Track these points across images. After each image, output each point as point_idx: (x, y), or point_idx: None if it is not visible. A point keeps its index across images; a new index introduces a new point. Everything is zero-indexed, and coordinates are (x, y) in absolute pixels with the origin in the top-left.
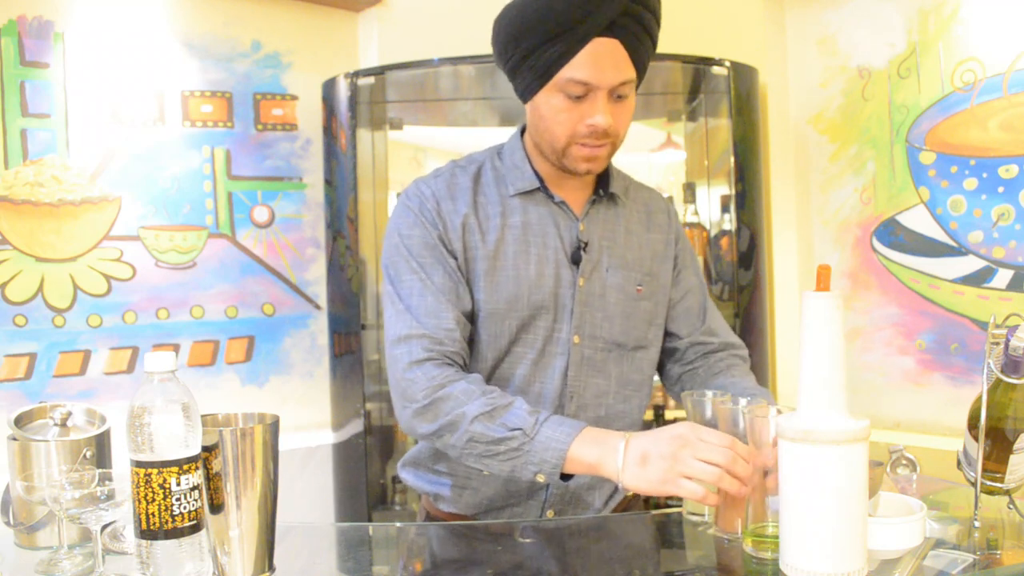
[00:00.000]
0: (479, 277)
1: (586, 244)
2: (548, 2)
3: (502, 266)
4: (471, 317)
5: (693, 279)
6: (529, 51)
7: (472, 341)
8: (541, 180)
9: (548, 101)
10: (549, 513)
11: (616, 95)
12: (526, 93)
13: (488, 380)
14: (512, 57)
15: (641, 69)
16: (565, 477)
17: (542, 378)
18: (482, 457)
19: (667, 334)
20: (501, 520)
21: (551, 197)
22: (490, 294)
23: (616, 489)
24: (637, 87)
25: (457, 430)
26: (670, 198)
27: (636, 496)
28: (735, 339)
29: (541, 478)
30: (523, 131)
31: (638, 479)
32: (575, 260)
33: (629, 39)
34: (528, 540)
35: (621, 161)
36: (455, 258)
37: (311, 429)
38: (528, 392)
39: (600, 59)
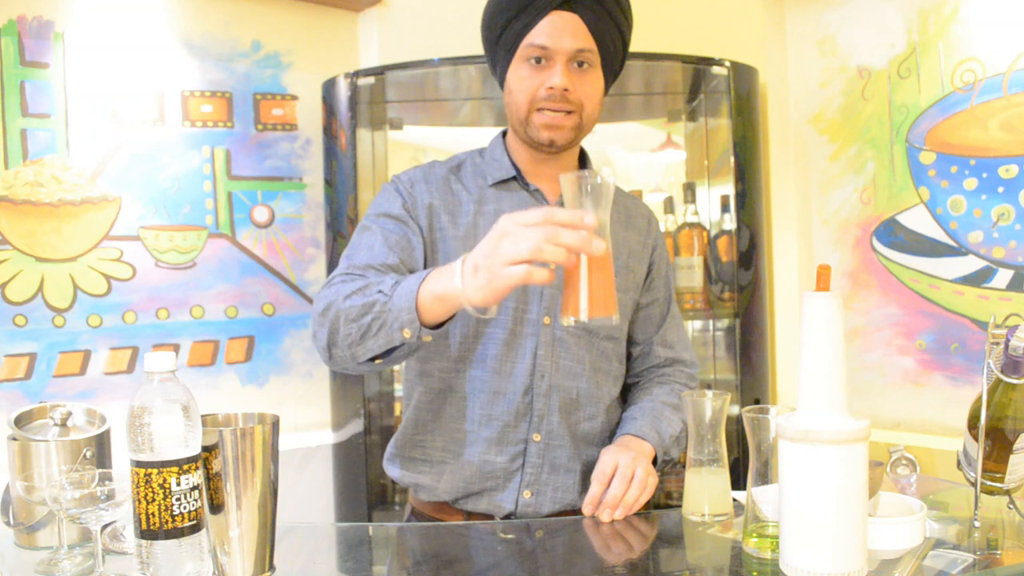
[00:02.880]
0: (448, 255)
1: None
2: None
3: (471, 247)
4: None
5: (663, 290)
6: (501, 30)
7: None
8: (518, 170)
9: (515, 73)
10: (526, 494)
11: (577, 62)
12: (503, 74)
13: (459, 359)
14: (490, 42)
15: (605, 46)
16: (436, 329)
17: (513, 357)
18: (362, 340)
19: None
20: (479, 507)
21: (526, 186)
22: None
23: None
24: (609, 72)
25: (339, 320)
26: (668, 198)
27: None
28: (687, 355)
29: (407, 333)
30: (505, 134)
31: (475, 288)
32: None
33: (587, 14)
34: (520, 540)
35: (623, 160)
36: (420, 229)
37: (311, 429)
38: (501, 371)
39: (557, 27)
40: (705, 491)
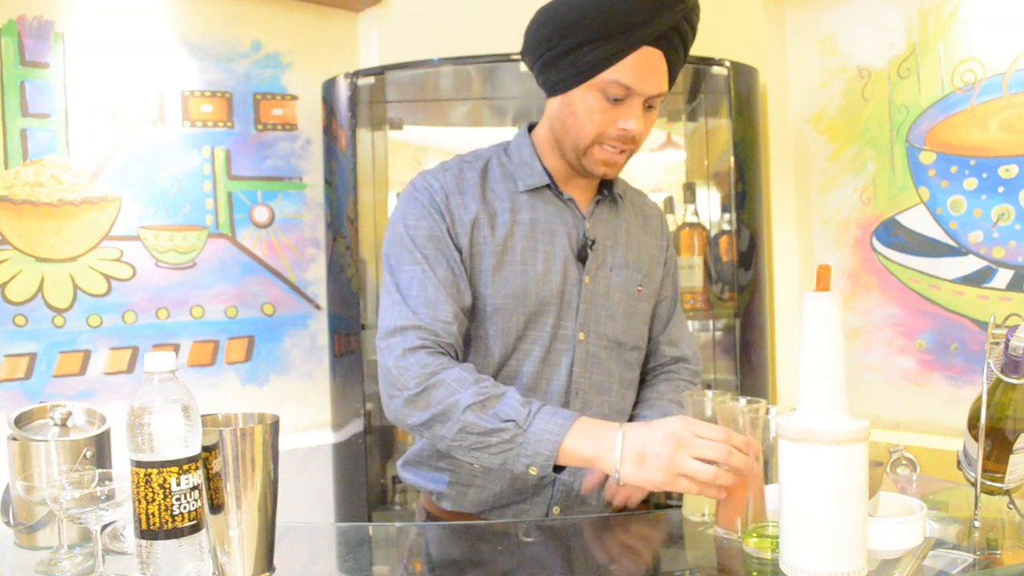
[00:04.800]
0: (486, 272)
1: (593, 242)
2: (609, 3)
3: (510, 261)
4: (471, 313)
5: (671, 289)
6: (576, 46)
7: (479, 337)
8: (550, 177)
9: (584, 98)
10: (555, 510)
11: (648, 105)
12: (559, 86)
13: (496, 376)
14: (554, 48)
15: (672, 82)
16: (558, 469)
17: (548, 375)
18: (472, 449)
19: None
20: (505, 518)
21: (559, 195)
22: (497, 288)
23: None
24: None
25: (448, 420)
26: (668, 198)
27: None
28: (690, 352)
29: (534, 471)
30: (530, 129)
31: (636, 478)
32: (581, 258)
33: (670, 52)
34: (527, 539)
35: None
36: (460, 252)
37: (311, 429)
38: (536, 389)
39: (645, 67)
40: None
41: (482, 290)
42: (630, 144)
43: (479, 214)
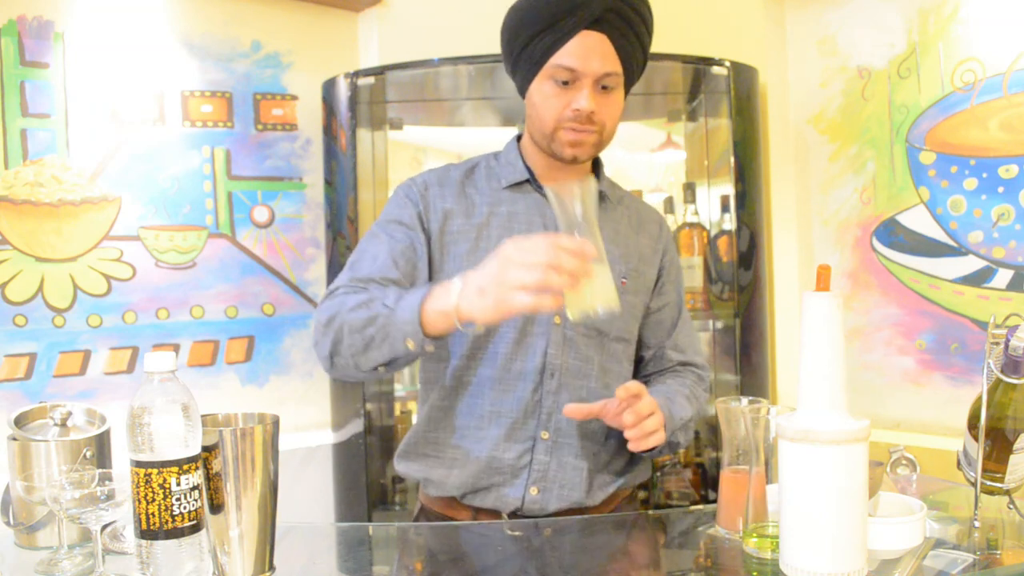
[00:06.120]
0: (459, 256)
1: None
2: None
3: (484, 247)
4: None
5: (674, 295)
6: (526, 43)
7: None
8: (531, 173)
9: (540, 89)
10: (533, 490)
11: (602, 85)
12: (524, 84)
13: (470, 357)
14: (514, 50)
15: (630, 66)
16: (437, 339)
17: (523, 356)
18: (365, 350)
19: (638, 340)
20: (487, 502)
21: (539, 189)
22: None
23: (604, 471)
24: (629, 86)
25: (343, 329)
26: (668, 198)
27: (631, 491)
28: (699, 359)
29: (411, 344)
30: (519, 138)
31: (480, 311)
32: None
33: (615, 34)
34: (527, 539)
35: (622, 160)
36: (428, 237)
37: (311, 429)
38: (510, 369)
39: (587, 49)
40: (590, 289)
41: (455, 275)
42: (588, 125)
43: (455, 205)
